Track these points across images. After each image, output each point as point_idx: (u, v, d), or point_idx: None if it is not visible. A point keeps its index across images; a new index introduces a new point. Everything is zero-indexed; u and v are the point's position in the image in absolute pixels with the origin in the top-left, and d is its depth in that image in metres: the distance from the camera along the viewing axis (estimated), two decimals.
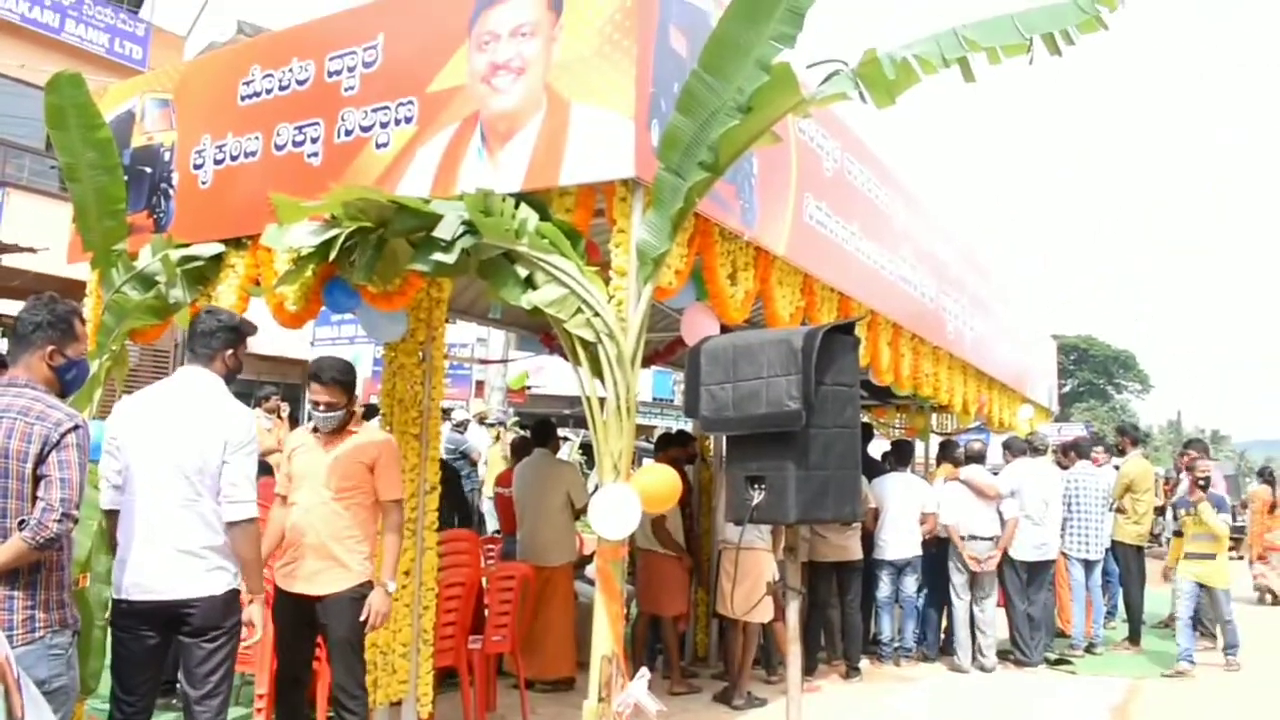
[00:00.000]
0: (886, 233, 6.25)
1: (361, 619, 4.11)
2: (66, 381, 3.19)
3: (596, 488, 3.83)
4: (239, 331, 3.81)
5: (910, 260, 6.73)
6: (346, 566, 4.14)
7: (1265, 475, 14.14)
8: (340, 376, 4.24)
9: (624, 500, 3.61)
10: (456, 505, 7.57)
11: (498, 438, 12.65)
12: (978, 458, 8.55)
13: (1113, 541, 9.47)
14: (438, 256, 3.81)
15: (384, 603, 4.17)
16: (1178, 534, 8.74)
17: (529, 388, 19.75)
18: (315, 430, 4.31)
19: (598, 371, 3.77)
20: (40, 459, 2.89)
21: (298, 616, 4.20)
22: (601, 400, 3.77)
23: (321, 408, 4.20)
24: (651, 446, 9.44)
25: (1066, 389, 52.97)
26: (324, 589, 4.13)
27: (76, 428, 2.95)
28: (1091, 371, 57.85)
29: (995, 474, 8.60)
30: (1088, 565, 9.14)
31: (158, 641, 3.53)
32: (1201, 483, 8.29)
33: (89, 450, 3.06)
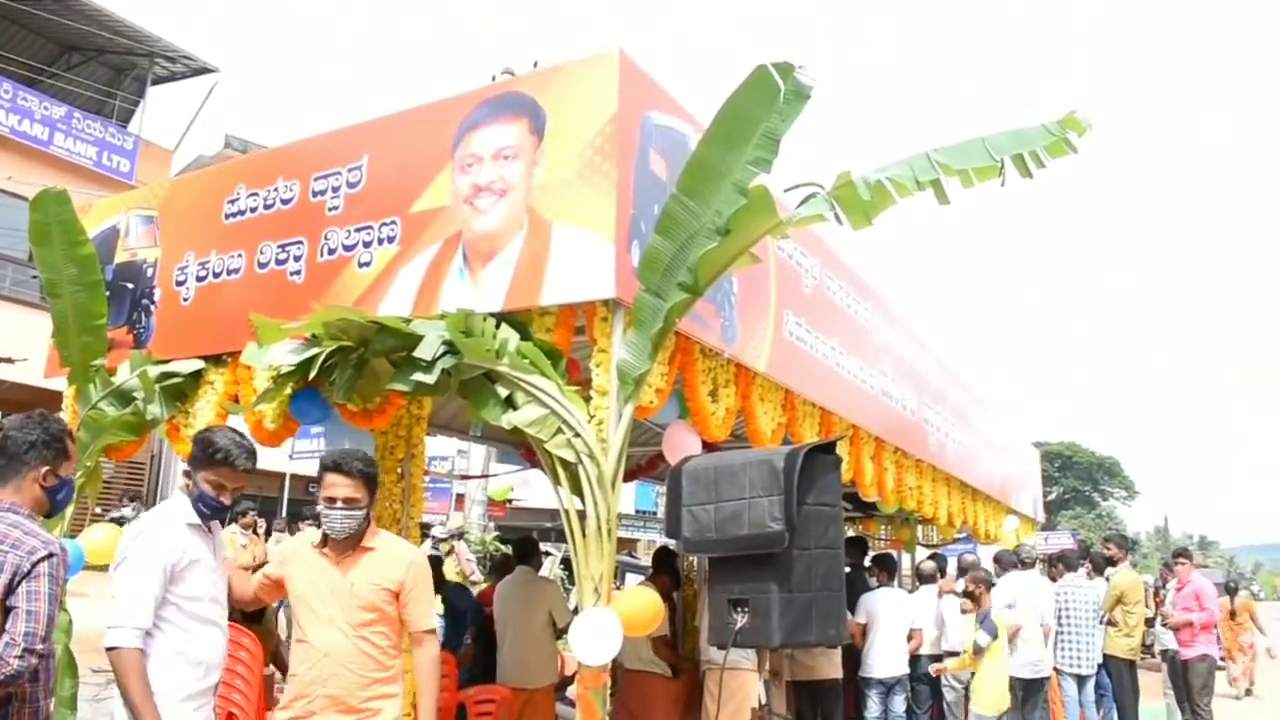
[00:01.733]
0: (866, 346, 6.29)
1: None
2: (57, 501, 3.11)
3: (577, 607, 3.74)
4: (202, 450, 3.47)
5: (890, 374, 6.76)
6: (380, 713, 3.42)
7: (1227, 586, 15.64)
8: (366, 469, 3.52)
9: (605, 625, 3.52)
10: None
11: (449, 551, 11.41)
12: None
13: (1104, 655, 9.32)
14: (418, 376, 3.80)
15: None
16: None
17: (511, 501, 19.55)
18: (325, 544, 3.53)
19: (578, 491, 3.73)
20: (9, 589, 2.78)
21: None
22: (580, 514, 3.72)
23: (339, 504, 3.44)
24: (634, 561, 9.29)
25: (1052, 496, 52.87)
26: None
27: (50, 556, 2.84)
28: (1076, 478, 57.84)
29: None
30: (1080, 680, 8.97)
31: None
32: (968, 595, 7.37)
33: (63, 578, 2.97)
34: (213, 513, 3.43)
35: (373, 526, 3.60)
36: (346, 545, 3.51)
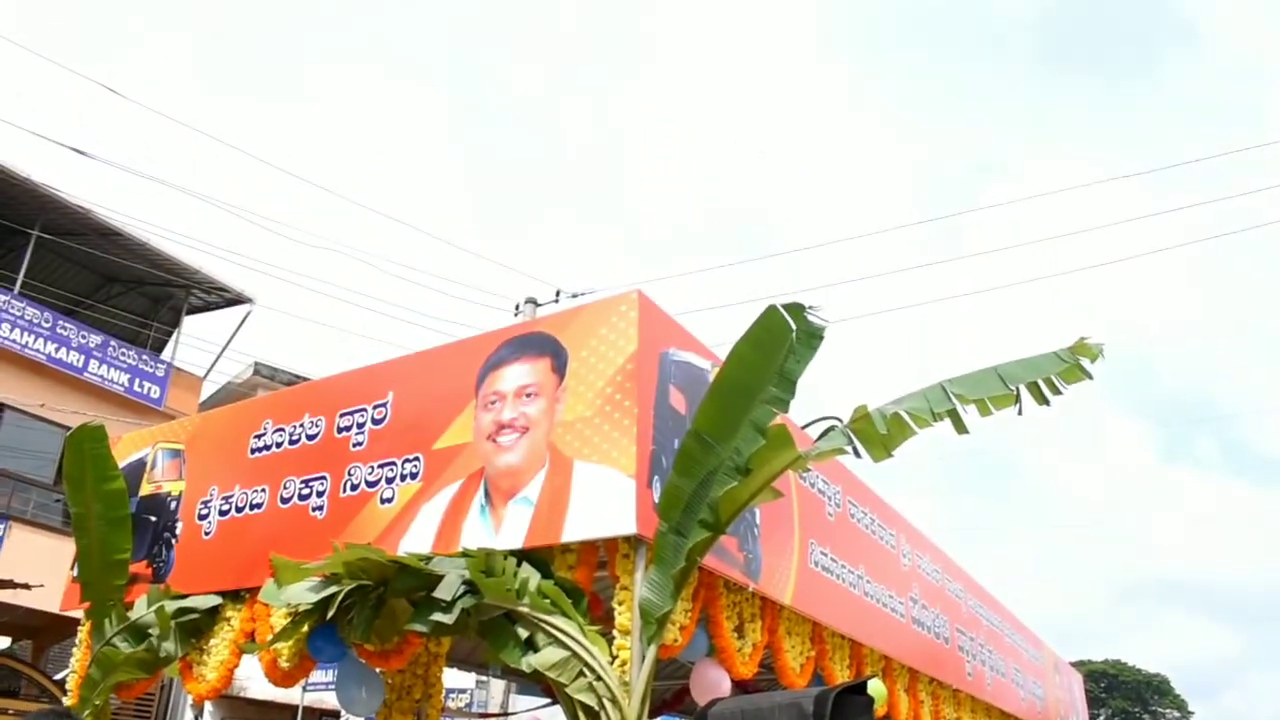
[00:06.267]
0: (894, 573, 6.16)
1: None
2: None
3: None
4: None
5: (921, 600, 6.58)
6: None
7: None
8: None
9: None
10: None
11: None
12: None
13: None
14: (437, 617, 3.74)
15: None
16: None
17: None
18: None
19: None
20: None
21: None
22: None
23: None
24: None
25: None
26: None
27: None
28: (1124, 699, 54.98)
29: None
30: None
31: None
32: None
33: None
34: None
35: None
36: None
